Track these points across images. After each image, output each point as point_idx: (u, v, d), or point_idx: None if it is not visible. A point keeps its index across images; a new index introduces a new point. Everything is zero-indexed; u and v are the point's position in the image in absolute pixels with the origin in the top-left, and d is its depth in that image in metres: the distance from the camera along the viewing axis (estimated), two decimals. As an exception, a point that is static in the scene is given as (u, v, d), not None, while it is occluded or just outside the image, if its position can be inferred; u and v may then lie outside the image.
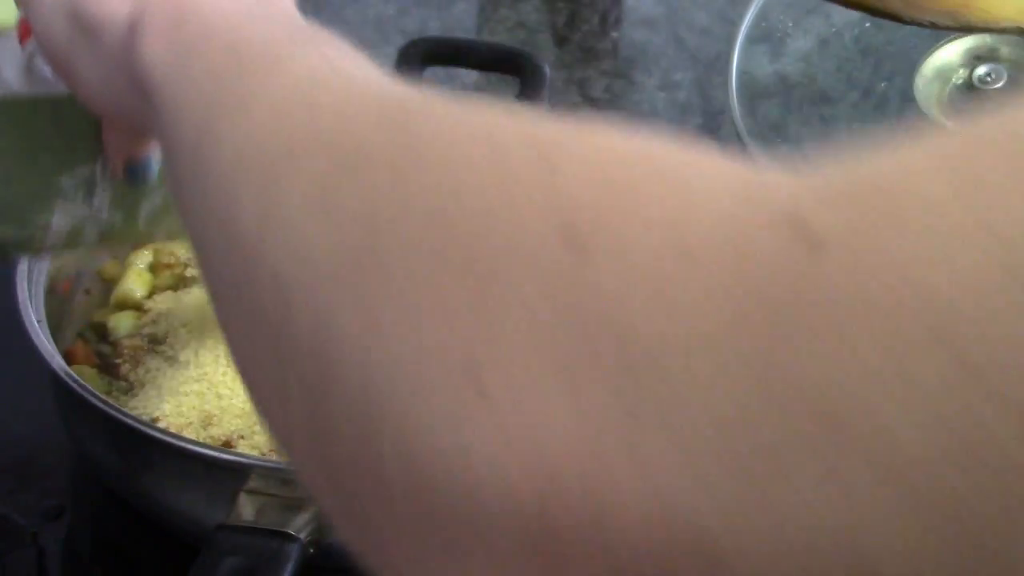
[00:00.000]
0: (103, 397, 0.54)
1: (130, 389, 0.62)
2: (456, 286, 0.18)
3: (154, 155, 0.44)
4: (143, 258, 0.70)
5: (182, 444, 0.52)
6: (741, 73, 0.97)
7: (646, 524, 0.16)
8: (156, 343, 0.64)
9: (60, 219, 0.45)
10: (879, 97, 0.98)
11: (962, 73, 0.92)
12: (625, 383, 0.16)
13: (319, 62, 0.28)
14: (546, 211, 0.18)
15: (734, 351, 0.16)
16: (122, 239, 0.50)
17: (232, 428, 0.57)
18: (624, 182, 0.19)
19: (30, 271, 0.61)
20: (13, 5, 0.41)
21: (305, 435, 0.22)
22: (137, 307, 0.68)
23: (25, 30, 0.42)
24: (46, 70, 0.41)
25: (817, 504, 0.15)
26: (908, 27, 0.92)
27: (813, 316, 0.15)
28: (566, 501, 0.17)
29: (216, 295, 0.26)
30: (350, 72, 0.27)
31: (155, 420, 0.58)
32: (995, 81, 0.90)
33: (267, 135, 0.25)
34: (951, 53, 0.92)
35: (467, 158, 0.21)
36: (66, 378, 0.54)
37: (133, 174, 0.45)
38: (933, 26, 0.25)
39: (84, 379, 0.56)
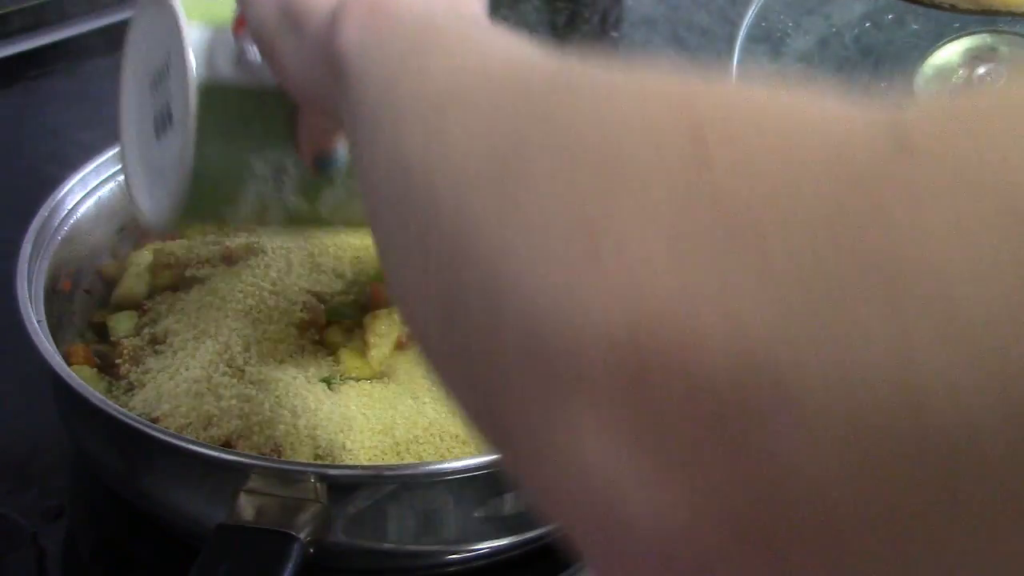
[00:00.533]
0: (103, 397, 0.54)
1: (130, 389, 0.62)
2: (587, 169, 0.22)
3: (342, 149, 0.49)
4: (143, 258, 0.70)
5: (182, 444, 0.52)
6: (741, 73, 0.97)
7: (726, 357, 0.18)
8: (156, 343, 0.64)
9: (250, 198, 0.50)
10: (879, 97, 0.98)
11: (962, 73, 0.92)
12: (724, 244, 0.19)
13: (500, 41, 0.31)
14: (678, 119, 0.21)
15: (824, 222, 0.18)
16: (304, 224, 0.55)
17: (232, 428, 0.57)
18: (751, 106, 0.22)
19: (30, 271, 0.61)
20: (231, 5, 0.47)
21: (438, 307, 0.25)
22: (137, 307, 0.68)
23: (239, 24, 0.47)
24: (255, 62, 0.47)
25: (879, 346, 0.17)
26: (908, 27, 0.92)
27: (894, 197, 0.18)
28: (657, 336, 0.19)
29: (375, 209, 0.30)
30: (530, 50, 0.30)
31: (155, 420, 0.58)
32: (995, 81, 0.90)
33: (442, 82, 0.29)
34: (951, 53, 0.92)
35: (615, 87, 0.24)
36: (66, 378, 0.54)
37: (321, 164, 0.49)
38: (953, 9, 0.25)
39: (84, 379, 0.56)
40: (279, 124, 0.49)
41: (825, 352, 0.18)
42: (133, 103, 0.53)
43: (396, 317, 0.64)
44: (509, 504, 0.55)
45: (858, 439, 0.18)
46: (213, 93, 0.47)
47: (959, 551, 0.18)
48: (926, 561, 0.18)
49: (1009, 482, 0.17)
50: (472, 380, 0.24)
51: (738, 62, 0.98)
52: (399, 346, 0.64)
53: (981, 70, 0.91)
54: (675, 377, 0.19)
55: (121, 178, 0.70)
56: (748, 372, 0.18)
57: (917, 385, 0.17)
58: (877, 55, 0.99)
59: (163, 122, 0.50)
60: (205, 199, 0.49)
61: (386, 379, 0.62)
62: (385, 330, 0.64)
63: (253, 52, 0.46)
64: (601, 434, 0.20)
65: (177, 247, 0.70)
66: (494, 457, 0.52)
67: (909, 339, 0.17)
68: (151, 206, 0.51)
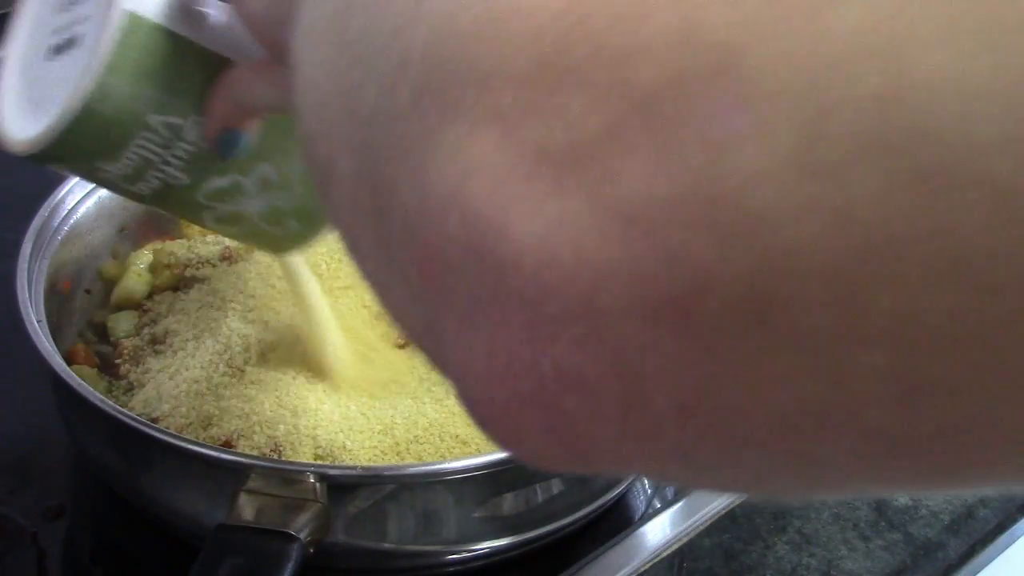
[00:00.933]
0: (103, 397, 0.54)
1: (130, 389, 0.62)
2: None
3: (248, 136, 0.46)
4: (143, 258, 0.70)
5: (182, 444, 0.52)
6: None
7: (669, 33, 0.16)
8: (156, 343, 0.64)
9: (133, 153, 0.46)
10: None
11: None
12: None
13: None
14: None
15: None
16: (175, 203, 0.50)
17: (232, 428, 0.57)
18: None
19: (30, 271, 0.61)
20: None
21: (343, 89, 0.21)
22: (137, 307, 0.68)
23: None
24: (194, 11, 0.44)
25: (867, 35, 0.14)
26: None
27: None
28: (590, 18, 0.16)
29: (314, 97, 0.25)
30: None
31: (155, 420, 0.58)
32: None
33: None
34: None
35: None
36: (66, 378, 0.54)
37: (222, 144, 0.46)
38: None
39: (84, 379, 0.56)
40: (195, 86, 0.45)
41: (790, 33, 0.15)
42: (33, 12, 0.48)
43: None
44: (509, 504, 0.55)
45: (821, 135, 0.14)
46: (138, 28, 0.43)
47: (932, 310, 0.14)
48: (880, 324, 0.15)
49: (1014, 206, 0.14)
50: (359, 124, 0.21)
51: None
52: (399, 346, 0.64)
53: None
54: (603, 62, 0.16)
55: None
56: (691, 54, 0.15)
57: (908, 79, 0.14)
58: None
59: (64, 43, 0.45)
60: (86, 139, 0.44)
61: (386, 379, 0.62)
62: (385, 330, 0.64)
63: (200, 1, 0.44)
64: (498, 146, 0.17)
65: (177, 247, 0.70)
66: (494, 457, 0.52)
67: (909, 30, 0.14)
68: (18, 128, 0.45)
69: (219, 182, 0.49)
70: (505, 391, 0.18)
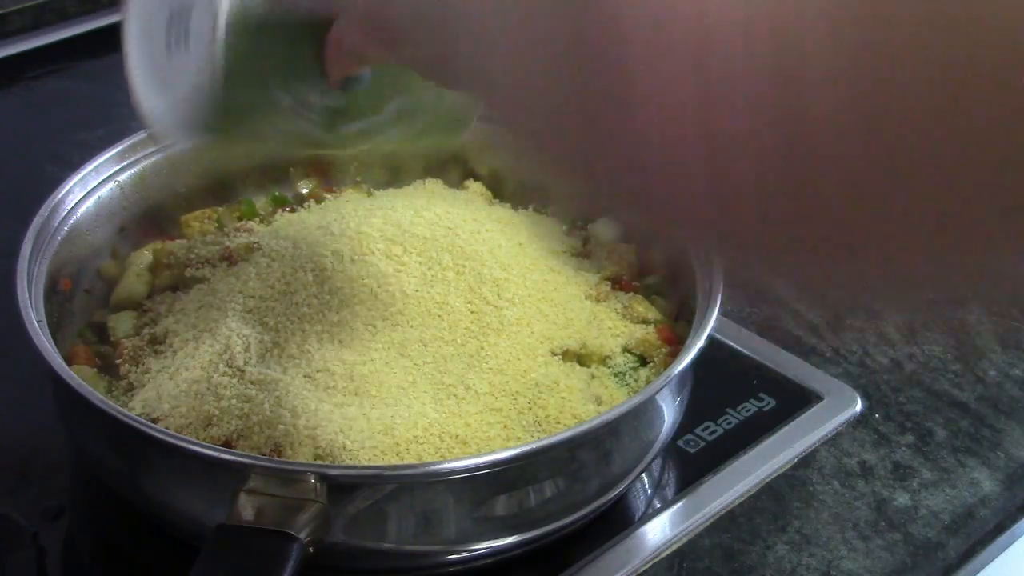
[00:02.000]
0: (103, 397, 0.54)
1: (130, 389, 0.62)
2: None
3: (367, 72, 0.51)
4: (143, 258, 0.70)
5: (182, 444, 0.52)
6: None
7: None
8: (156, 343, 0.64)
9: (273, 124, 0.51)
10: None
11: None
12: None
13: None
14: None
15: None
16: (320, 146, 0.56)
17: (232, 428, 0.57)
18: None
19: (30, 271, 0.61)
20: None
21: None
22: (137, 307, 0.68)
23: None
24: None
25: None
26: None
27: None
28: None
29: None
30: None
31: (155, 420, 0.58)
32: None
33: None
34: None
35: None
36: (66, 378, 0.54)
37: (348, 86, 0.51)
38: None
39: (84, 379, 0.56)
40: (305, 53, 0.48)
41: None
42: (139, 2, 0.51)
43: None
44: (509, 504, 0.55)
45: None
46: (241, 26, 0.46)
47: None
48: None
49: None
50: None
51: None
52: (399, 347, 0.64)
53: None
54: None
55: (121, 178, 0.71)
56: None
57: None
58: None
59: (178, 33, 0.48)
60: (226, 127, 0.49)
61: (386, 379, 0.62)
62: (384, 332, 0.64)
63: None
64: None
65: (177, 247, 0.70)
66: (494, 457, 0.52)
67: None
68: (157, 116, 0.50)
69: (352, 126, 0.53)
70: None
